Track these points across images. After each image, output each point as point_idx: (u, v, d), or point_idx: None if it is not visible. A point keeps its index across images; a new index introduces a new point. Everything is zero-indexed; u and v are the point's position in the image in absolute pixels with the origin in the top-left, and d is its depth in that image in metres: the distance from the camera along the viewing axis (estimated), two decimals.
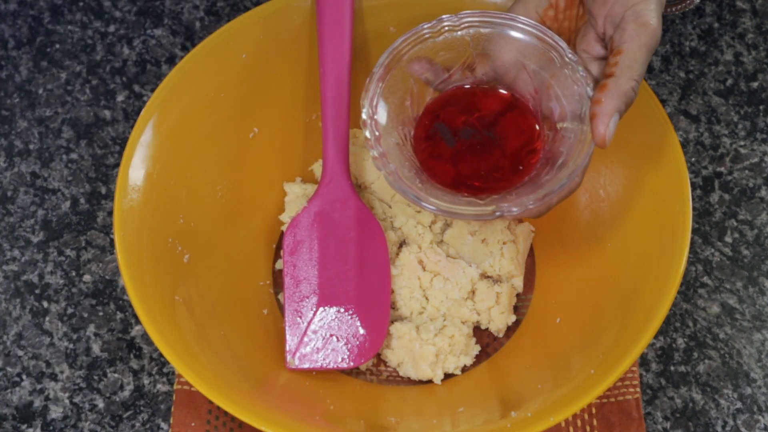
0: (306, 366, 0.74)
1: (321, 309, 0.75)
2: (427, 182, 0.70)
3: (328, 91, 0.76)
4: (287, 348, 0.74)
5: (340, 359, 0.75)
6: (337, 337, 0.75)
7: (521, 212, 0.67)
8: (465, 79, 0.73)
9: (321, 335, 0.75)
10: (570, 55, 0.69)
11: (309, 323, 0.75)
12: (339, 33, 0.77)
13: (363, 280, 0.77)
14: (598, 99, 0.65)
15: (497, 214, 0.67)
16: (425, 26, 0.71)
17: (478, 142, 0.71)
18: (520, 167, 0.70)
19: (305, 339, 0.75)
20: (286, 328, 0.75)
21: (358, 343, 0.75)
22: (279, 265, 0.81)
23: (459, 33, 0.71)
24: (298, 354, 0.74)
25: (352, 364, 0.75)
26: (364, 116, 0.69)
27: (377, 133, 0.70)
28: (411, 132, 0.72)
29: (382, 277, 0.77)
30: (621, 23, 0.66)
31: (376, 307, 0.76)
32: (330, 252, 0.77)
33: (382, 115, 0.70)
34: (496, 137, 0.71)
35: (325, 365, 0.74)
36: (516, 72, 0.71)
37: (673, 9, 0.75)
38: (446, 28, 0.71)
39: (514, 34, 0.71)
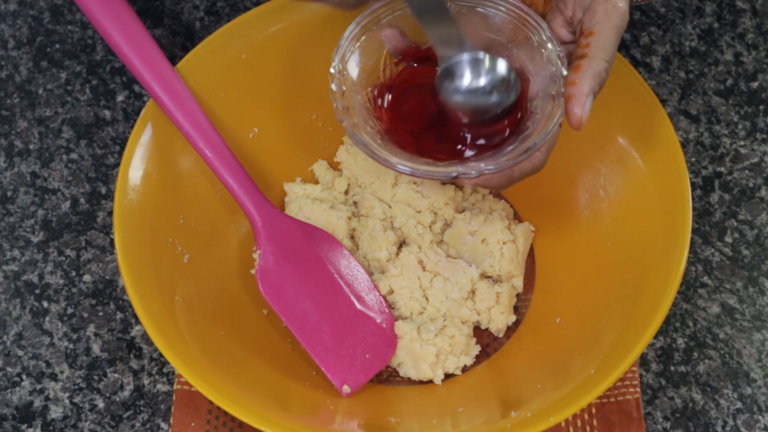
0: (359, 387, 0.75)
1: (335, 331, 0.76)
2: (388, 142, 0.70)
3: (209, 152, 0.75)
4: (335, 383, 0.74)
5: (376, 363, 0.76)
6: (363, 345, 0.76)
7: (480, 178, 0.67)
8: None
9: (350, 354, 0.75)
10: (549, 34, 0.70)
11: (336, 352, 0.75)
12: (191, 109, 0.76)
13: (347, 282, 0.77)
14: (573, 80, 0.66)
15: (454, 174, 0.67)
16: None
17: (445, 120, 0.71)
18: (484, 142, 0.71)
19: (342, 366, 0.75)
20: (321, 367, 0.75)
21: (379, 339, 0.76)
22: None
23: None
24: (346, 382, 0.75)
25: (386, 359, 0.76)
26: (332, 70, 0.70)
27: (344, 88, 0.70)
28: (381, 95, 0.72)
29: (356, 269, 0.78)
30: (591, 5, 0.68)
31: (368, 296, 0.77)
32: (307, 277, 0.77)
33: (352, 72, 0.71)
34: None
35: (370, 376, 0.75)
36: (493, 51, 0.72)
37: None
38: None
39: (494, 11, 0.71)
